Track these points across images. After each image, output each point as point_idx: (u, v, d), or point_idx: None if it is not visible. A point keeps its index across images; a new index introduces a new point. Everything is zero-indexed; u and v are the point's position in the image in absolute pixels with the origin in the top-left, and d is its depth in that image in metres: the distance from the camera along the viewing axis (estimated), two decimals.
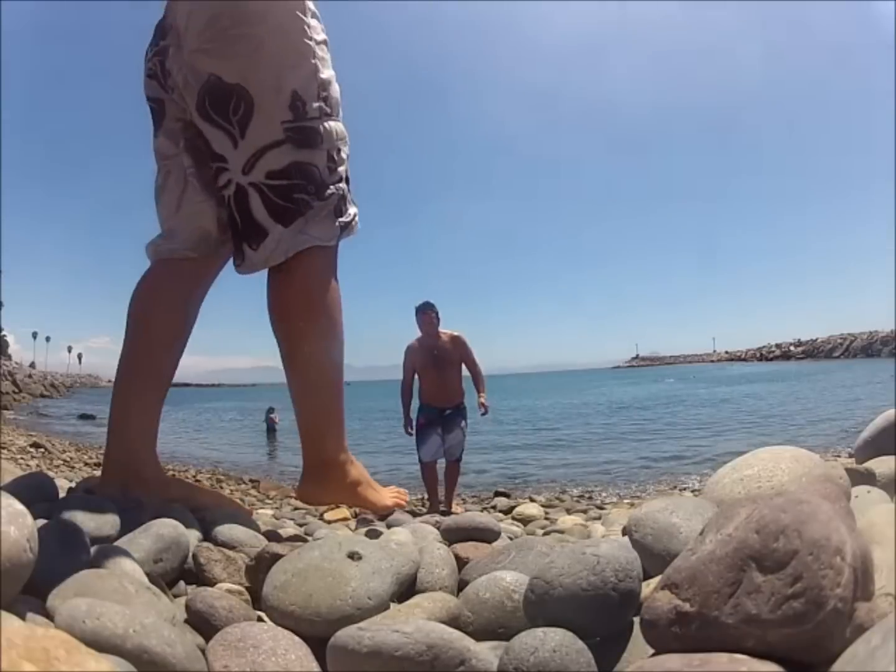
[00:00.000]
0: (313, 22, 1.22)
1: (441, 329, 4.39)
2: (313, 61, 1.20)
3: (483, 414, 4.43)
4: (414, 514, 3.20)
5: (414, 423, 4.40)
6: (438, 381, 4.26)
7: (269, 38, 1.14)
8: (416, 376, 4.43)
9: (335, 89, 1.24)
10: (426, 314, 4.31)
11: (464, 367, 4.42)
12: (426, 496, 4.56)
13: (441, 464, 4.44)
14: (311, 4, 1.23)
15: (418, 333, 4.44)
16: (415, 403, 4.49)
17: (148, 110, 1.38)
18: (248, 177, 1.15)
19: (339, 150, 1.22)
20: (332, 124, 1.22)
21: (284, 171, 1.15)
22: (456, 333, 4.32)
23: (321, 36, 1.24)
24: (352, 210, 1.25)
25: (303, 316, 1.17)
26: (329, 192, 1.19)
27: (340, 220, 1.22)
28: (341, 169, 1.23)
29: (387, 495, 1.46)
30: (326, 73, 1.23)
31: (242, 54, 1.12)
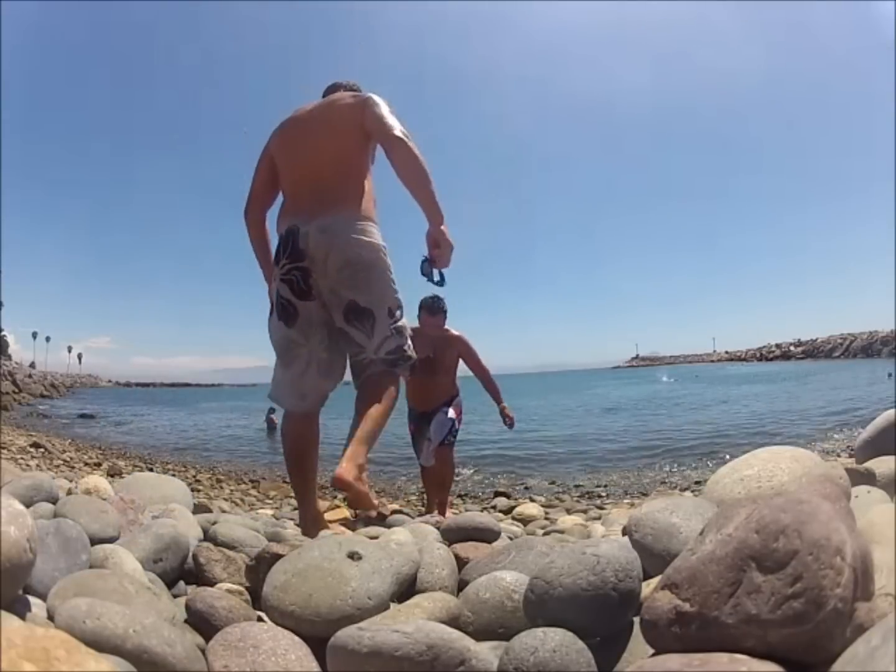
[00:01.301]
0: (389, 260, 1.97)
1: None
2: (394, 286, 1.97)
3: (510, 426, 3.81)
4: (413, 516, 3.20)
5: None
6: (427, 386, 3.78)
7: (378, 278, 1.90)
8: None
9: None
10: (435, 317, 3.77)
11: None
12: (426, 497, 4.44)
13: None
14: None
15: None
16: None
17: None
18: (376, 355, 1.92)
19: (409, 335, 2.02)
20: (405, 320, 2.01)
21: (393, 350, 1.94)
22: (457, 334, 3.87)
23: (392, 265, 1.99)
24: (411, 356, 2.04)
25: (383, 401, 1.89)
26: (406, 355, 1.98)
27: (405, 365, 2.00)
28: (409, 342, 2.00)
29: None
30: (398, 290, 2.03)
31: (367, 290, 1.88)
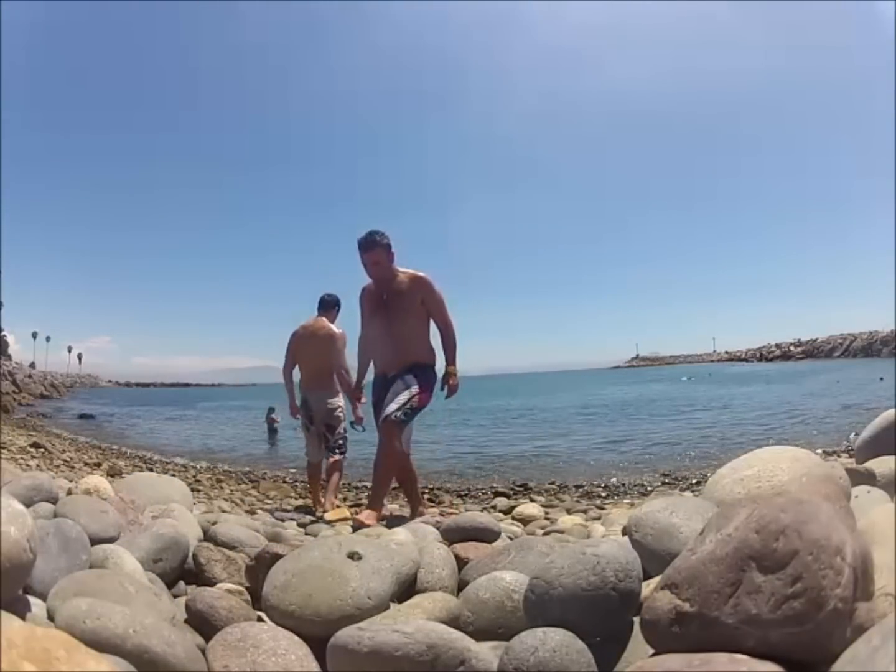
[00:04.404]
0: (344, 411, 4.23)
1: (401, 269, 3.17)
2: (344, 422, 4.21)
3: (448, 396, 3.15)
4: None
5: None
6: (387, 338, 3.10)
7: (338, 419, 4.19)
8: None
9: None
10: (370, 253, 3.06)
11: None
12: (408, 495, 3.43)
13: (416, 456, 3.35)
14: None
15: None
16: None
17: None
18: (334, 443, 4.14)
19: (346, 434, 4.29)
20: (347, 433, 4.28)
21: (343, 441, 4.18)
22: (420, 274, 3.15)
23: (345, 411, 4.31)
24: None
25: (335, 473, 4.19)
26: (345, 443, 4.24)
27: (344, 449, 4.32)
28: (345, 441, 4.27)
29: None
30: None
31: (335, 422, 4.18)
